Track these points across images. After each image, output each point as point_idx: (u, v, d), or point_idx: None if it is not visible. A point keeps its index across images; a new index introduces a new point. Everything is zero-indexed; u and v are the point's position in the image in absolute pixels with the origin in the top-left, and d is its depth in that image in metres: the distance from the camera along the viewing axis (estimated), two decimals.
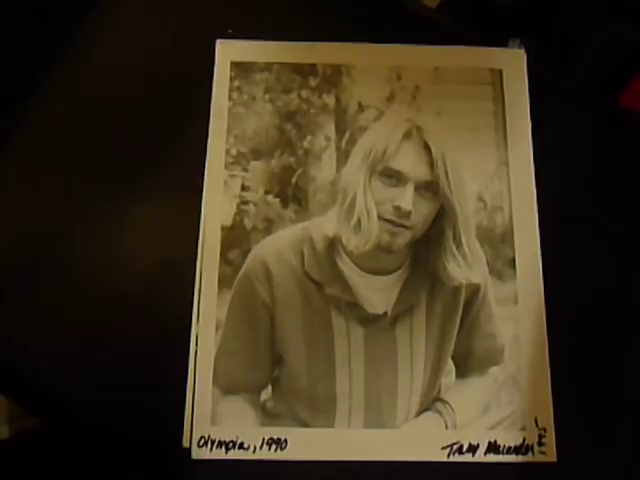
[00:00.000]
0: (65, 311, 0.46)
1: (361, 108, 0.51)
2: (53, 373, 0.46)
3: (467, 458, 0.45)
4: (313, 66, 0.52)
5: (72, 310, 0.47)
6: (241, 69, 0.51)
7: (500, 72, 0.52)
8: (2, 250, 0.48)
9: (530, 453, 0.45)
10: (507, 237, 0.49)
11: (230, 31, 0.52)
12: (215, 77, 0.51)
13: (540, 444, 0.45)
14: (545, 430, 0.45)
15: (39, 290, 0.47)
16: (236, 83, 0.51)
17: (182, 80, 0.51)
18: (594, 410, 0.46)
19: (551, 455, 0.45)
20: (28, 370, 0.46)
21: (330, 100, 0.51)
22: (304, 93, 0.51)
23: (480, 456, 0.45)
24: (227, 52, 0.52)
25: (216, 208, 0.48)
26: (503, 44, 0.53)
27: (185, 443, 0.44)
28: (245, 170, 0.49)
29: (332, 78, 0.51)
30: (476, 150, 0.50)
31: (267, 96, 0.51)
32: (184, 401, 0.45)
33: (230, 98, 0.51)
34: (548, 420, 0.45)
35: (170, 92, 0.51)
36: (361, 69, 0.52)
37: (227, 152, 0.50)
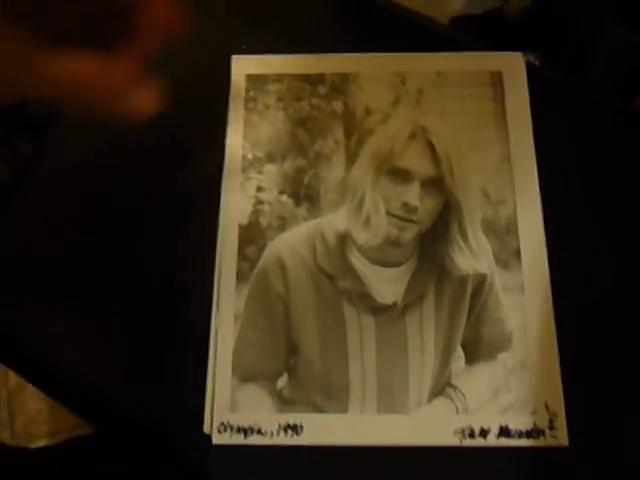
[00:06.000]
0: (86, 302, 0.50)
1: (368, 112, 0.54)
2: (74, 362, 0.48)
3: (479, 442, 0.46)
4: (322, 75, 0.55)
5: (94, 302, 0.50)
6: (255, 81, 0.55)
7: (500, 74, 0.54)
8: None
9: (542, 437, 0.45)
10: (512, 228, 0.50)
11: (244, 47, 0.56)
12: (231, 89, 0.55)
13: (551, 428, 0.46)
14: (556, 414, 0.46)
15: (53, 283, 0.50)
16: (251, 94, 0.55)
17: (202, 93, 0.55)
18: (605, 393, 0.46)
19: (563, 439, 0.45)
20: (50, 356, 0.49)
21: (338, 106, 0.54)
22: (314, 101, 0.54)
23: (492, 440, 0.46)
24: (242, 66, 0.56)
25: (234, 208, 0.52)
26: None
27: (206, 429, 0.46)
28: (260, 173, 0.53)
29: (340, 86, 0.55)
30: (479, 147, 0.53)
31: (280, 104, 0.54)
32: (205, 389, 0.47)
33: (246, 108, 0.54)
34: (559, 404, 0.46)
35: (191, 105, 0.55)
36: (367, 76, 0.55)
37: (244, 157, 0.53)
